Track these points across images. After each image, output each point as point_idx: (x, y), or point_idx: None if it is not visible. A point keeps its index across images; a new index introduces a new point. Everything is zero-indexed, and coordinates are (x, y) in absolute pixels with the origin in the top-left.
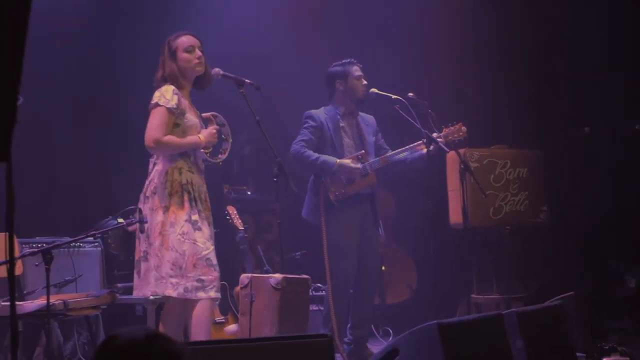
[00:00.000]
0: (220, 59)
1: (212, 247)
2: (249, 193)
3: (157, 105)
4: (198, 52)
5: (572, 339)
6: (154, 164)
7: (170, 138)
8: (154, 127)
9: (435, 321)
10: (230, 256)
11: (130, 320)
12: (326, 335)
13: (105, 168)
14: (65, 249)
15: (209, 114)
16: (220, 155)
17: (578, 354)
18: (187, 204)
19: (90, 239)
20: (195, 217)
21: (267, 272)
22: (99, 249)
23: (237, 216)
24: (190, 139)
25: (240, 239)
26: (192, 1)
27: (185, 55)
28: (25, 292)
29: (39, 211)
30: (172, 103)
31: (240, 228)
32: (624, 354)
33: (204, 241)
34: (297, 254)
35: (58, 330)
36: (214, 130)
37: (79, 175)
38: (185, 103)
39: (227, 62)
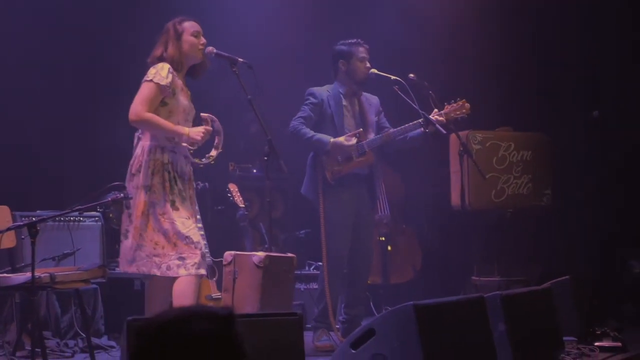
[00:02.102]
0: (216, 39)
1: (193, 226)
2: (254, 171)
3: (150, 81)
4: (203, 39)
5: (562, 322)
6: (139, 139)
7: (152, 116)
8: (139, 101)
9: (411, 302)
10: (231, 233)
11: (128, 295)
12: (296, 314)
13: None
14: (65, 224)
15: (207, 115)
16: (203, 159)
17: (571, 338)
18: (167, 184)
19: (93, 212)
20: (173, 197)
21: (267, 250)
22: (99, 223)
23: (238, 193)
24: (174, 127)
25: (240, 216)
26: None
27: (192, 39)
28: (23, 264)
29: (47, 185)
30: (166, 81)
31: (241, 205)
32: (616, 339)
33: (182, 220)
34: (301, 232)
35: (56, 303)
36: (203, 131)
37: (87, 148)
38: (179, 84)
39: (224, 41)
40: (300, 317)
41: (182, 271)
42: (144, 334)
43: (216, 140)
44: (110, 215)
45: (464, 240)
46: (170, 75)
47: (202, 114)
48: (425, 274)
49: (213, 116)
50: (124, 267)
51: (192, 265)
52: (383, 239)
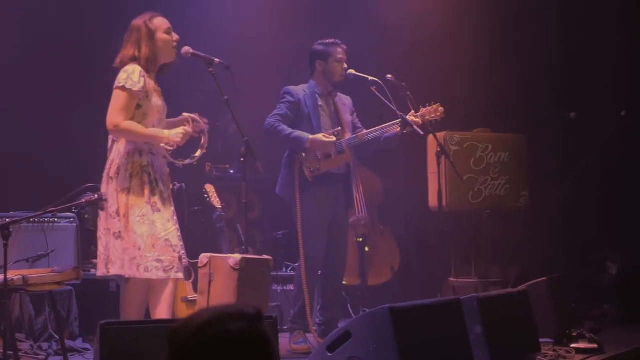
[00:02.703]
0: (191, 39)
1: (173, 228)
2: (231, 171)
3: (123, 88)
4: (175, 35)
5: (538, 325)
6: (113, 141)
7: (130, 124)
8: (115, 111)
9: (387, 305)
10: (207, 235)
11: (103, 296)
12: (271, 317)
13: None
14: (39, 225)
15: (188, 115)
16: (186, 160)
17: (547, 340)
18: (147, 186)
19: (68, 213)
20: (154, 199)
21: (245, 251)
22: (74, 224)
23: (215, 194)
24: (153, 131)
25: (217, 217)
26: None
27: (166, 36)
28: None
29: (22, 185)
30: (139, 86)
31: (218, 207)
32: (592, 341)
33: (162, 222)
34: (278, 233)
35: (30, 305)
36: (182, 132)
37: (60, 150)
38: (151, 84)
39: (200, 42)
40: (275, 320)
41: (160, 274)
42: (180, 338)
43: (202, 140)
44: (86, 216)
45: (441, 242)
46: (142, 79)
47: (183, 113)
48: (404, 275)
49: (195, 116)
50: (101, 269)
51: (170, 269)
52: (361, 240)
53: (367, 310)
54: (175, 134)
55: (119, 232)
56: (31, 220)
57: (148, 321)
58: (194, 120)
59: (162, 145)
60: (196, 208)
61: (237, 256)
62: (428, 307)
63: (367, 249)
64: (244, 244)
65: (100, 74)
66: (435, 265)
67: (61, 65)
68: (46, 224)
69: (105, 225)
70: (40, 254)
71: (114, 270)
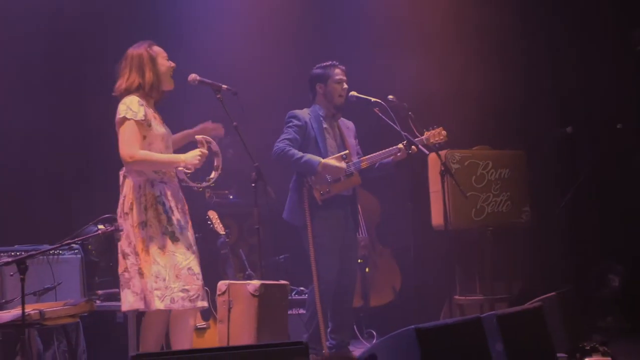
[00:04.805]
0: (198, 66)
1: (192, 257)
2: (231, 197)
3: (125, 119)
4: (172, 63)
5: (553, 340)
6: (124, 177)
7: (146, 153)
8: (128, 143)
9: (412, 326)
10: (212, 261)
11: (110, 327)
12: (302, 343)
13: (87, 175)
14: (44, 257)
15: (201, 137)
16: (203, 183)
17: (560, 355)
18: (162, 217)
19: (71, 245)
20: (171, 228)
21: (249, 276)
22: (79, 256)
23: (219, 221)
24: (170, 157)
25: (221, 243)
26: (167, 10)
27: (167, 62)
28: (3, 300)
29: (19, 219)
30: (140, 115)
31: (222, 233)
32: (606, 354)
33: (183, 251)
34: (280, 257)
35: (38, 339)
36: (199, 154)
37: (59, 181)
38: (150, 113)
39: (206, 69)
40: (306, 345)
41: (187, 304)
42: None
43: (215, 162)
44: (89, 247)
45: (441, 260)
46: (141, 108)
47: (197, 136)
48: (405, 295)
49: (208, 138)
50: (132, 305)
51: (196, 298)
52: (361, 261)
53: (373, 332)
54: (192, 157)
55: (139, 268)
56: (50, 253)
57: (179, 352)
58: (207, 142)
59: (180, 168)
60: (197, 235)
61: (256, 282)
62: (451, 327)
63: (367, 270)
64: (248, 268)
65: (97, 113)
66: (435, 283)
67: (58, 102)
68: (51, 257)
69: (128, 261)
70: (47, 287)
71: (130, 306)
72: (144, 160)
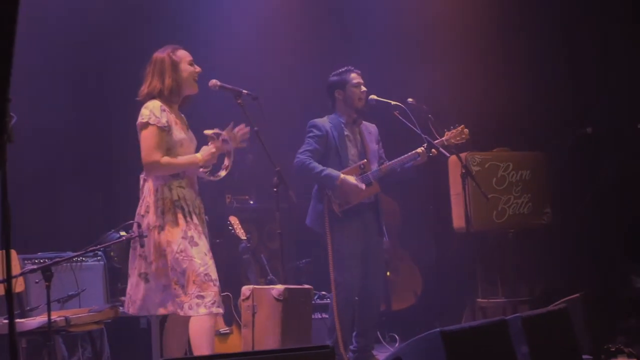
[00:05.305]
0: (218, 71)
1: (211, 262)
2: (251, 202)
3: (148, 124)
4: (197, 67)
5: (578, 341)
6: (144, 180)
7: (168, 159)
8: (151, 149)
9: (438, 329)
10: (234, 266)
11: (134, 333)
12: (328, 347)
13: (108, 181)
14: (67, 264)
15: (211, 131)
16: (220, 172)
17: (585, 357)
18: (181, 221)
19: (95, 252)
20: (191, 232)
21: (271, 281)
22: (102, 262)
23: (240, 226)
24: (188, 158)
25: (242, 248)
26: (188, 15)
27: (189, 67)
28: (28, 308)
29: (43, 226)
30: (163, 121)
31: (243, 238)
32: (632, 356)
33: (201, 256)
34: (301, 261)
35: (62, 346)
36: (213, 149)
37: (82, 188)
38: (172, 118)
39: (225, 74)
40: (332, 350)
41: (202, 310)
42: None
43: (225, 162)
44: (112, 253)
45: (461, 263)
46: (163, 114)
47: (205, 131)
48: (427, 298)
49: (217, 130)
50: (149, 309)
51: (212, 304)
52: None
53: (395, 336)
54: (207, 153)
55: (145, 273)
56: (74, 260)
57: (203, 357)
58: (217, 135)
59: (200, 169)
60: (218, 240)
61: (280, 287)
62: (476, 329)
63: (388, 274)
64: (269, 273)
65: (119, 118)
66: (456, 286)
67: (79, 107)
68: (74, 263)
69: (133, 264)
70: (70, 294)
71: (134, 310)
72: (166, 165)
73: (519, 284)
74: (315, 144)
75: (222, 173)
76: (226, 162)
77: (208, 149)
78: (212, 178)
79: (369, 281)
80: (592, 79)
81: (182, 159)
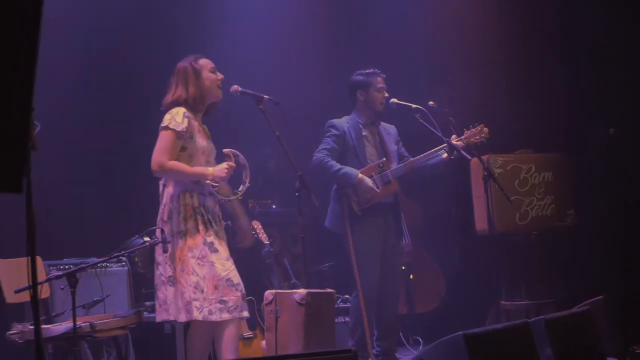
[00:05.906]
0: (238, 77)
1: (232, 267)
2: (274, 207)
3: (167, 128)
4: (220, 74)
5: (603, 343)
6: (164, 186)
7: (174, 164)
8: (160, 151)
9: (461, 332)
10: (257, 271)
11: (158, 338)
12: (351, 351)
13: (132, 187)
14: (92, 270)
15: (229, 150)
16: (231, 196)
17: (609, 359)
18: (201, 227)
19: (119, 258)
20: (210, 239)
21: (294, 285)
22: (126, 268)
23: (262, 231)
24: (198, 169)
25: (266, 253)
26: (206, 22)
27: (212, 75)
28: (53, 314)
29: (67, 232)
30: (183, 126)
31: (266, 242)
32: None
33: (222, 262)
34: (324, 265)
35: (88, 351)
36: (226, 167)
37: (105, 194)
38: (195, 125)
39: (246, 79)
40: (355, 353)
41: (225, 315)
42: None
43: (243, 175)
44: (136, 259)
45: (486, 265)
46: (185, 120)
47: (224, 149)
48: (450, 300)
49: (236, 151)
50: (177, 315)
51: (235, 309)
52: (404, 268)
53: (419, 339)
54: (220, 170)
55: (172, 276)
56: (99, 265)
57: None
58: (235, 155)
59: (207, 182)
60: (240, 245)
61: (303, 291)
62: (499, 332)
63: (411, 276)
64: (292, 277)
65: (142, 123)
66: (480, 289)
67: (102, 114)
68: (99, 269)
69: (158, 271)
70: (95, 299)
71: (168, 316)
72: (171, 169)
73: (542, 286)
74: (333, 143)
75: (241, 188)
76: (244, 175)
77: (222, 166)
78: (220, 196)
79: (385, 283)
80: (615, 79)
81: (189, 168)
